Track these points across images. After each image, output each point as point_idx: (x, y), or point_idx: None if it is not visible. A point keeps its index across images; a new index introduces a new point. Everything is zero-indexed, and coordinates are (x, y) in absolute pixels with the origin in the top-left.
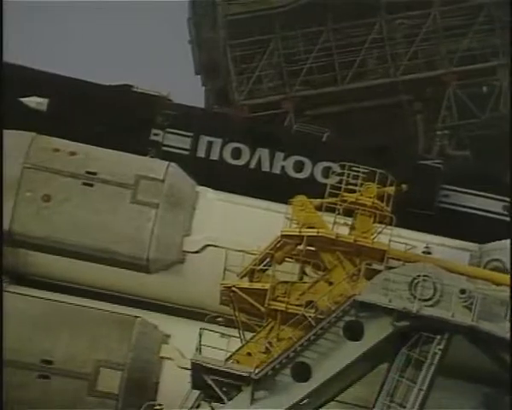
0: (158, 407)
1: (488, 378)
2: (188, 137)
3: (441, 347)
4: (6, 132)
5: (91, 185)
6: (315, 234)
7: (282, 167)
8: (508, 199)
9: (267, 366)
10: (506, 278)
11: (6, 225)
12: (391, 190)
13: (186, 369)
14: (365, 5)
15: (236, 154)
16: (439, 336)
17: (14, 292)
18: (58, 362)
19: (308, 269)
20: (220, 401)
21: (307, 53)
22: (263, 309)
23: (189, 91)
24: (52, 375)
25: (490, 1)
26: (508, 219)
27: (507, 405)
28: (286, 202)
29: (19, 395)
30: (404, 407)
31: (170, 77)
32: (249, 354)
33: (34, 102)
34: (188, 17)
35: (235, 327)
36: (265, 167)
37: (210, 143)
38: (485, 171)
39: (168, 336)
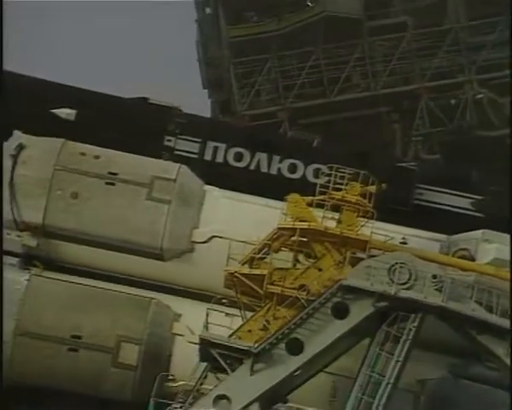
0: (170, 378)
1: (456, 351)
2: (196, 142)
3: (415, 324)
4: (39, 139)
5: (113, 184)
6: (306, 227)
7: (278, 169)
8: (474, 196)
9: (265, 342)
10: (471, 264)
11: (39, 219)
12: (372, 188)
13: (195, 344)
14: (350, 29)
15: (238, 157)
16: (413, 315)
17: (47, 277)
18: (85, 337)
19: (301, 257)
20: (224, 371)
21: (300, 70)
22: (261, 292)
23: (198, 103)
24: (80, 348)
25: (456, 25)
26: (476, 214)
27: (473, 373)
28: (282, 199)
29: (51, 365)
30: (384, 376)
31: (181, 90)
32: (249, 330)
33: (64, 112)
34: (196, 40)
35: (237, 307)
36: (264, 169)
37: (215, 148)
38: (453, 172)
39: (179, 315)
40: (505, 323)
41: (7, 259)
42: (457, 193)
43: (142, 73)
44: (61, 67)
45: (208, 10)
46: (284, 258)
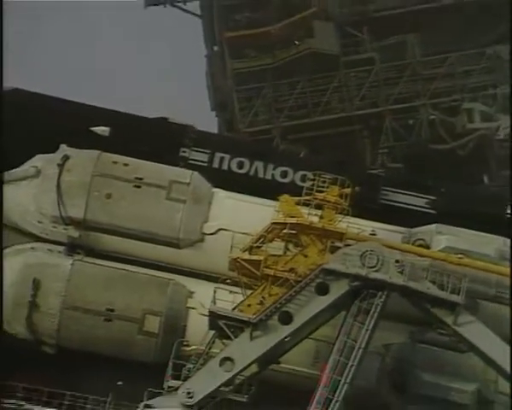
0: (185, 343)
1: (414, 321)
2: (206, 153)
3: (382, 300)
4: (80, 151)
5: (139, 187)
6: (295, 222)
7: (272, 175)
8: (429, 197)
9: (261, 314)
10: (427, 251)
11: (81, 215)
12: (348, 191)
13: (205, 316)
14: (329, 63)
15: (240, 165)
16: (380, 292)
17: (87, 262)
18: (118, 310)
19: (290, 246)
20: (229, 338)
21: (289, 96)
22: (258, 274)
23: (207, 122)
24: (114, 319)
25: (414, 60)
26: (430, 211)
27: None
28: (275, 199)
29: (90, 333)
30: (356, 342)
31: (194, 111)
32: (249, 305)
33: (100, 130)
34: (206, 71)
35: (239, 286)
36: (260, 175)
37: (221, 158)
38: (412, 177)
39: (192, 292)
40: (453, 298)
41: (55, 247)
42: (415, 194)
43: (167, 101)
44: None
45: (216, 48)
46: (277, 247)
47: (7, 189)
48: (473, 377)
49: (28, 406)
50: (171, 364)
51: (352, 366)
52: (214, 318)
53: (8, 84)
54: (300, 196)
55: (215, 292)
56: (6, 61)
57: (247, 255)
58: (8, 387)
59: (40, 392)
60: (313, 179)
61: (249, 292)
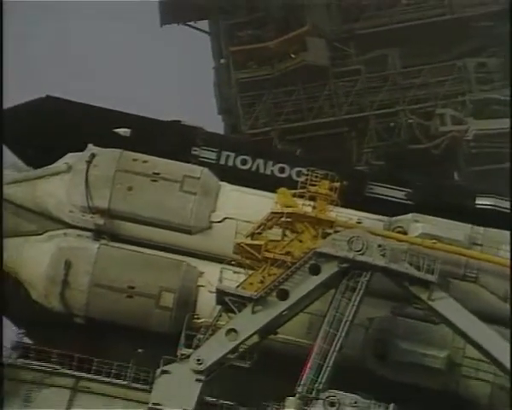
0: (196, 316)
1: (394, 297)
2: (214, 152)
3: (366, 279)
4: (105, 150)
5: (156, 181)
6: (291, 211)
7: (272, 171)
8: (406, 190)
9: (262, 291)
10: (405, 237)
11: (106, 205)
12: (337, 185)
13: (213, 292)
14: (321, 73)
15: (243, 162)
16: (365, 273)
17: (111, 246)
18: (138, 287)
19: (287, 232)
20: (233, 312)
21: (286, 102)
22: (259, 257)
23: (215, 124)
24: (134, 295)
25: (394, 72)
26: (408, 202)
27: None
28: (274, 192)
29: (114, 307)
30: (344, 315)
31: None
32: (251, 283)
33: (122, 131)
34: (213, 81)
35: (242, 267)
36: (261, 170)
37: (227, 156)
38: (392, 173)
39: (202, 272)
40: (428, 277)
41: (84, 233)
42: (395, 188)
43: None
44: None
45: (222, 61)
46: (275, 233)
47: (43, 182)
48: (444, 345)
49: (62, 369)
50: (183, 334)
51: (341, 336)
52: (221, 294)
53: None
54: (296, 189)
55: (221, 272)
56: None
57: (249, 240)
58: (45, 352)
59: (71, 358)
60: (307, 175)
61: (251, 272)
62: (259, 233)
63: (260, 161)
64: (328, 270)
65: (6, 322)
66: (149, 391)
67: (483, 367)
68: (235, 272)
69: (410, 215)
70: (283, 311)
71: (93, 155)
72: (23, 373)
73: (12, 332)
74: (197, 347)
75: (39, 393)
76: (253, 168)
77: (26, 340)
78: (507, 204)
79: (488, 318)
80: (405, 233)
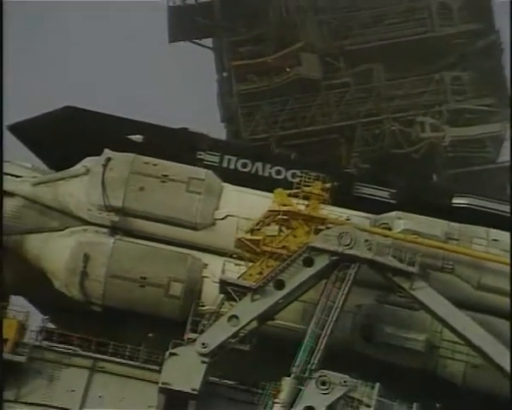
0: (201, 304)
1: (380, 286)
2: (217, 156)
3: (354, 270)
4: (120, 154)
5: (165, 182)
6: (287, 209)
7: (269, 173)
8: (390, 190)
9: (260, 282)
10: (389, 233)
11: (120, 204)
12: (328, 185)
13: (216, 283)
14: (313, 85)
15: (244, 165)
16: (353, 265)
17: (125, 240)
18: (149, 278)
19: (283, 228)
20: (234, 300)
21: (282, 111)
22: (258, 250)
23: (218, 131)
24: (146, 285)
25: (379, 84)
26: (391, 201)
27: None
28: (271, 192)
29: (128, 296)
30: (334, 302)
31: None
32: (250, 275)
33: (135, 137)
34: (216, 92)
35: (243, 260)
36: (260, 173)
37: (229, 159)
38: (378, 175)
39: (206, 264)
40: (409, 269)
41: (101, 229)
42: (380, 188)
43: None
44: None
45: (224, 74)
46: (272, 229)
47: (64, 184)
48: (423, 329)
49: (81, 351)
50: (190, 320)
51: (331, 321)
52: (223, 284)
53: None
54: (291, 189)
55: (224, 264)
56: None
57: (249, 236)
58: (66, 336)
59: (90, 341)
60: (301, 176)
61: (251, 264)
62: (258, 229)
63: (259, 164)
64: (320, 262)
65: (32, 309)
66: (159, 371)
67: (458, 349)
68: (236, 265)
69: (393, 213)
70: (280, 299)
71: (109, 159)
72: (47, 354)
73: (38, 318)
74: (202, 332)
75: (61, 372)
76: (253, 171)
77: (50, 325)
78: (480, 202)
79: (462, 304)
80: (389, 229)
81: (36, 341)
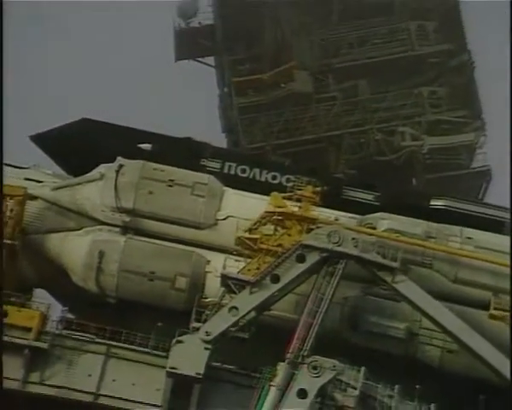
0: (204, 297)
1: (365, 280)
2: (219, 162)
3: (342, 266)
4: (131, 161)
5: (172, 186)
6: (282, 211)
7: (266, 178)
8: (374, 193)
9: (258, 276)
10: (373, 231)
11: (131, 206)
12: (318, 189)
13: (218, 277)
14: (305, 99)
15: (243, 171)
16: (341, 260)
17: (135, 239)
18: (157, 273)
19: (278, 228)
20: (234, 293)
21: (277, 122)
22: (256, 248)
23: (220, 140)
24: (154, 279)
25: (364, 97)
26: (375, 203)
27: (374, 292)
28: (268, 195)
29: (138, 289)
30: (324, 295)
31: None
32: (249, 269)
33: (144, 146)
34: (218, 106)
35: (242, 256)
36: (257, 178)
37: (229, 166)
38: (363, 180)
39: (209, 260)
40: (392, 264)
41: (114, 229)
42: (365, 191)
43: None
44: None
45: (225, 89)
46: (269, 228)
47: (81, 188)
48: (404, 318)
49: (97, 339)
50: (194, 311)
51: (321, 312)
52: (224, 278)
53: None
54: (285, 193)
55: (225, 260)
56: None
57: (247, 235)
58: (84, 325)
59: (104, 330)
60: (294, 181)
61: (249, 261)
62: (256, 229)
63: (257, 170)
64: (312, 259)
65: (53, 301)
66: (167, 357)
67: (435, 336)
68: (236, 261)
69: (377, 214)
70: (275, 292)
71: (121, 166)
72: (67, 342)
73: (58, 309)
74: (205, 321)
75: (79, 358)
76: (251, 176)
77: (69, 315)
78: (455, 204)
79: (440, 296)
80: (374, 228)
81: (56, 330)
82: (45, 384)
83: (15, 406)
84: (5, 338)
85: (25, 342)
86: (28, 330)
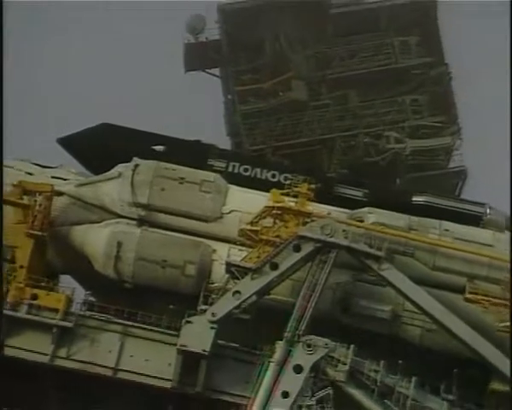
0: (211, 282)
1: (354, 267)
2: (224, 162)
3: (334, 254)
4: (146, 161)
5: (182, 183)
6: (280, 206)
7: (266, 176)
8: (363, 190)
9: (258, 264)
10: (362, 224)
11: (146, 201)
12: (313, 186)
13: (223, 264)
14: (300, 106)
15: (245, 170)
16: (333, 250)
17: (150, 231)
18: (169, 261)
19: (277, 221)
20: (238, 279)
21: (276, 127)
22: (257, 239)
23: (225, 143)
24: (166, 267)
25: (353, 105)
26: (364, 199)
27: (363, 278)
28: (268, 192)
29: (152, 276)
30: (318, 280)
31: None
32: (251, 258)
33: (158, 148)
34: (223, 113)
35: (244, 246)
36: (258, 176)
37: (233, 165)
38: (353, 178)
39: (215, 250)
40: (378, 253)
41: (130, 221)
42: (355, 189)
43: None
44: None
45: (229, 97)
46: (268, 221)
47: (101, 185)
48: (389, 301)
49: (115, 320)
50: (202, 295)
51: (315, 296)
52: (229, 266)
53: None
54: (284, 189)
55: (229, 250)
56: None
57: (249, 227)
58: (104, 307)
59: (122, 311)
60: (292, 179)
61: (251, 250)
62: (257, 221)
63: (258, 170)
64: (307, 248)
65: (77, 285)
66: (177, 336)
67: (416, 317)
68: (239, 250)
69: (365, 209)
70: (274, 278)
71: (136, 165)
72: (89, 321)
73: (81, 293)
74: (212, 304)
75: (101, 336)
76: (253, 175)
77: (91, 298)
78: (435, 200)
79: (420, 281)
80: (362, 221)
81: (80, 311)
82: (71, 359)
83: (45, 378)
84: (36, 318)
85: (53, 321)
86: (56, 311)
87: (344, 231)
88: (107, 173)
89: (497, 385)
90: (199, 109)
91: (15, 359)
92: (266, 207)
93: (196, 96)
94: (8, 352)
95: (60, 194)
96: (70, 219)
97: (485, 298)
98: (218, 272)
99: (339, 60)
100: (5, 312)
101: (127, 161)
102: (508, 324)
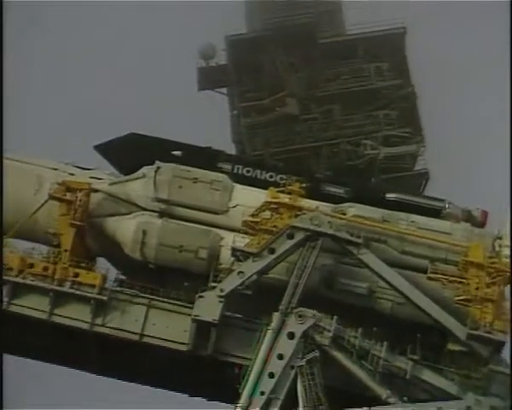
0: (219, 264)
1: (339, 253)
2: (230, 165)
3: (321, 241)
4: (166, 164)
5: (196, 182)
6: (277, 201)
7: (265, 177)
8: (346, 188)
9: (259, 249)
10: (344, 217)
11: (166, 197)
12: (304, 185)
13: (229, 250)
14: (294, 120)
15: (248, 172)
16: (320, 238)
17: (169, 222)
18: (184, 247)
19: (274, 213)
20: (241, 261)
21: (273, 136)
22: (257, 228)
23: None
24: (183, 251)
25: (337, 118)
26: (346, 196)
27: (345, 261)
28: (266, 189)
29: (171, 258)
30: (307, 262)
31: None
32: (252, 244)
33: (176, 153)
34: (230, 125)
35: (247, 234)
36: (259, 177)
37: (238, 168)
38: (336, 179)
39: (223, 237)
40: (357, 240)
41: (154, 214)
42: (338, 187)
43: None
44: None
45: (235, 112)
46: (267, 214)
47: (130, 183)
48: (366, 279)
49: (141, 294)
50: (211, 274)
51: (306, 275)
52: (234, 251)
53: None
54: (279, 188)
55: (234, 237)
56: None
57: (251, 218)
58: (132, 284)
59: (147, 287)
60: (286, 179)
61: (252, 238)
62: (257, 214)
63: (258, 171)
64: (298, 236)
65: (111, 266)
66: (192, 308)
67: (388, 292)
68: (242, 238)
69: (347, 204)
70: (271, 260)
71: (158, 168)
72: (120, 295)
73: (114, 272)
74: (220, 282)
75: (130, 307)
76: (254, 175)
77: (122, 277)
78: (404, 197)
79: (391, 264)
80: (344, 214)
81: (113, 287)
82: (105, 326)
83: (85, 342)
84: (77, 292)
85: (91, 295)
86: (93, 286)
87: (329, 222)
88: (134, 174)
89: (452, 346)
90: (210, 122)
91: (61, 325)
92: (265, 202)
93: (208, 111)
94: (55, 319)
95: (96, 191)
96: (104, 211)
97: (444, 277)
98: (226, 256)
99: (325, 81)
100: (52, 287)
101: (150, 164)
102: (462, 297)
